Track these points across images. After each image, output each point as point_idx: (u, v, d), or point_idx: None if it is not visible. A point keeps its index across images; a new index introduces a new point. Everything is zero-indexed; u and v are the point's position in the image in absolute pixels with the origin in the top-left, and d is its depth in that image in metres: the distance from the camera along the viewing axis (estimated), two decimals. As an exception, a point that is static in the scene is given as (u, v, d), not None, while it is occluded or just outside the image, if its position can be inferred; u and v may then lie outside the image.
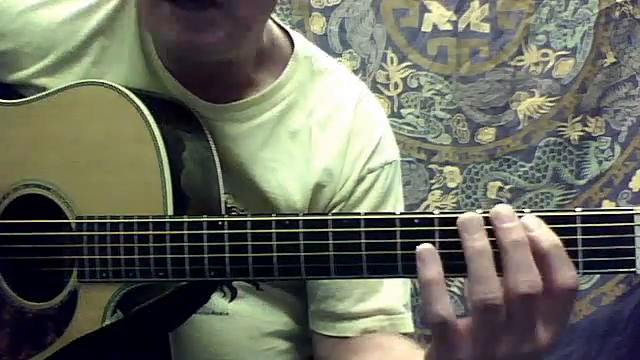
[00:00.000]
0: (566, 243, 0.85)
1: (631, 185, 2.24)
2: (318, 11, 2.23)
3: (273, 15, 1.22)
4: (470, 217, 0.87)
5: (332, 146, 1.21)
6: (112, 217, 1.04)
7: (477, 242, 0.86)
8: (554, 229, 0.86)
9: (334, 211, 1.21)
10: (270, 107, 1.19)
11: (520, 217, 0.87)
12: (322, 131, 1.22)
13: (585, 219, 0.86)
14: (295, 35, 1.24)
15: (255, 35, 1.16)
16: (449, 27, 2.24)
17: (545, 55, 2.24)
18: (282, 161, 1.20)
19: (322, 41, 2.20)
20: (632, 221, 0.85)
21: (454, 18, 2.24)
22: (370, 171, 1.23)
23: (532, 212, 0.88)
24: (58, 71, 1.20)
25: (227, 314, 1.20)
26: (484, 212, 0.87)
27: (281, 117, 1.20)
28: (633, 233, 0.84)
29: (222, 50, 1.09)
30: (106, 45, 1.19)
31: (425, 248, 0.87)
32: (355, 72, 2.21)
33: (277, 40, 1.23)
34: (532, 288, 0.84)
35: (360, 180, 1.22)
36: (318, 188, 1.20)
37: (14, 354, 1.12)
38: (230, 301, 1.20)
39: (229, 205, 1.17)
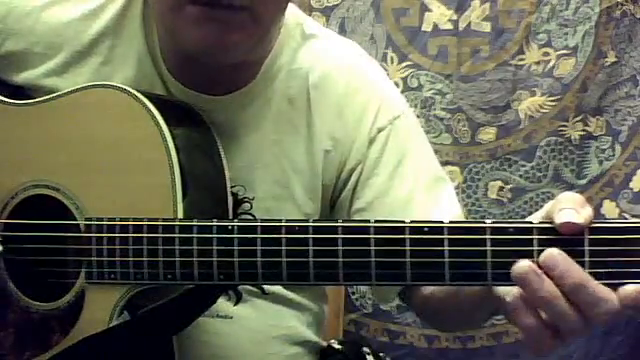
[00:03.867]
0: (572, 255, 0.88)
1: (632, 185, 2.25)
2: (318, 11, 2.24)
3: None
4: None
5: (331, 109, 1.22)
6: (121, 219, 1.06)
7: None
8: (562, 240, 0.88)
9: (352, 177, 1.22)
10: (271, 81, 1.21)
11: (531, 241, 0.89)
12: (320, 94, 1.22)
13: (593, 230, 0.88)
14: None
15: (271, 35, 1.19)
16: (450, 26, 2.25)
17: (546, 54, 2.24)
18: (285, 131, 1.21)
19: (322, 41, 2.21)
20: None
21: (455, 17, 2.24)
22: (380, 130, 1.23)
23: (541, 223, 0.90)
24: (67, 71, 1.22)
25: (231, 317, 1.22)
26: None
27: (278, 86, 1.22)
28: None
29: (245, 51, 1.12)
30: (114, 45, 1.22)
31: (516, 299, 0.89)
32: (355, 71, 2.23)
33: None
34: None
35: (372, 141, 1.22)
36: (326, 155, 1.21)
37: (18, 354, 1.14)
38: (235, 304, 1.22)
39: (240, 197, 1.20)
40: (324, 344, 1.38)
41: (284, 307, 1.27)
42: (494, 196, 2.27)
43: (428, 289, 1.17)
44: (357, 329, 2.26)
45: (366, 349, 1.45)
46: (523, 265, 0.87)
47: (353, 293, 2.23)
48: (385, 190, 1.21)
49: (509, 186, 2.27)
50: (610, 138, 2.25)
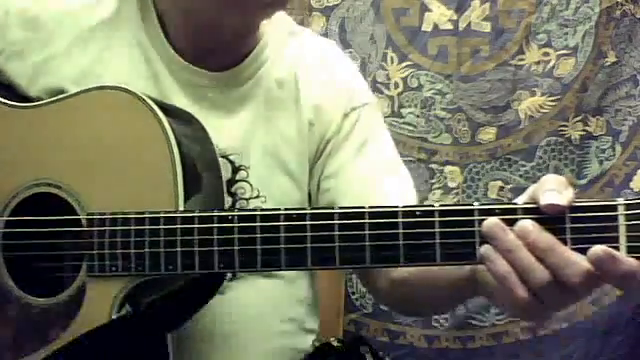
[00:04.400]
0: (555, 232, 0.94)
1: (632, 185, 2.26)
2: (318, 11, 2.27)
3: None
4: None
5: (315, 86, 1.36)
6: (123, 213, 1.10)
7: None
8: (543, 219, 0.95)
9: (328, 146, 1.35)
10: (259, 64, 1.34)
11: (515, 221, 0.95)
12: (306, 75, 1.36)
13: (573, 209, 0.94)
14: None
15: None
16: (450, 26, 2.27)
17: (546, 54, 2.26)
18: (276, 109, 1.34)
19: (322, 41, 2.23)
20: (615, 211, 0.93)
21: (455, 17, 2.26)
22: (353, 109, 1.38)
23: (525, 204, 0.96)
24: (71, 52, 1.30)
25: (223, 294, 1.26)
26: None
27: (269, 71, 1.35)
28: (617, 221, 0.93)
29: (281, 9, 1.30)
30: (112, 34, 1.31)
31: (487, 247, 0.96)
32: (355, 72, 2.26)
33: None
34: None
35: (346, 116, 1.37)
36: (310, 128, 1.34)
37: (17, 349, 1.17)
38: (230, 280, 1.28)
39: (237, 165, 1.29)
40: (315, 326, 1.45)
41: (274, 281, 1.33)
42: (494, 196, 2.28)
43: (399, 273, 1.26)
44: (357, 329, 2.27)
45: (365, 348, 1.48)
46: (490, 220, 0.96)
47: (353, 293, 2.25)
48: (349, 162, 1.36)
49: (509, 186, 2.28)
50: (610, 138, 2.27)
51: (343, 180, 1.35)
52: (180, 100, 1.29)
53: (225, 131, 1.27)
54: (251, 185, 1.31)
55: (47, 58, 1.30)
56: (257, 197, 1.31)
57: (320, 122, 1.36)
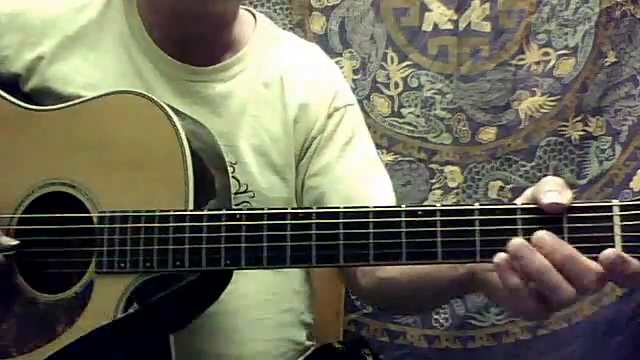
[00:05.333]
0: (553, 232, 0.99)
1: (632, 185, 2.28)
2: (318, 11, 2.29)
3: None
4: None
5: (300, 86, 1.43)
6: (134, 211, 1.15)
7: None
8: (542, 219, 1.00)
9: (313, 144, 1.42)
10: (245, 66, 1.41)
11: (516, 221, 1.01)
12: (291, 78, 1.43)
13: (570, 210, 1.00)
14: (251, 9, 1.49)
15: (241, 19, 1.43)
16: (450, 26, 2.29)
17: (546, 54, 2.29)
18: (263, 109, 1.40)
19: (322, 41, 2.25)
20: (611, 211, 0.98)
21: (455, 17, 2.29)
22: (336, 109, 1.45)
23: (524, 204, 1.01)
24: (60, 53, 1.38)
25: None
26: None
27: (255, 73, 1.41)
28: (612, 222, 0.98)
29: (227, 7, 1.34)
30: (98, 34, 1.39)
31: (502, 259, 1.00)
32: (355, 72, 2.28)
33: (241, 10, 1.44)
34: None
35: (330, 116, 1.44)
36: (295, 125, 1.41)
37: (23, 344, 1.21)
38: None
39: None
40: (310, 321, 1.50)
41: (272, 273, 1.38)
42: (494, 196, 2.30)
43: (388, 273, 1.31)
44: (357, 329, 2.29)
45: (366, 351, 1.54)
46: (517, 240, 0.99)
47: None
48: (335, 160, 1.42)
49: (509, 186, 2.31)
50: (610, 138, 2.29)
51: (330, 178, 1.41)
52: (165, 93, 1.34)
53: (212, 127, 1.32)
54: (238, 181, 1.37)
55: (36, 58, 1.37)
56: (245, 192, 1.38)
57: (304, 120, 1.42)
